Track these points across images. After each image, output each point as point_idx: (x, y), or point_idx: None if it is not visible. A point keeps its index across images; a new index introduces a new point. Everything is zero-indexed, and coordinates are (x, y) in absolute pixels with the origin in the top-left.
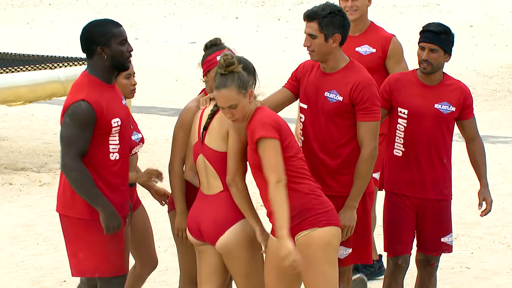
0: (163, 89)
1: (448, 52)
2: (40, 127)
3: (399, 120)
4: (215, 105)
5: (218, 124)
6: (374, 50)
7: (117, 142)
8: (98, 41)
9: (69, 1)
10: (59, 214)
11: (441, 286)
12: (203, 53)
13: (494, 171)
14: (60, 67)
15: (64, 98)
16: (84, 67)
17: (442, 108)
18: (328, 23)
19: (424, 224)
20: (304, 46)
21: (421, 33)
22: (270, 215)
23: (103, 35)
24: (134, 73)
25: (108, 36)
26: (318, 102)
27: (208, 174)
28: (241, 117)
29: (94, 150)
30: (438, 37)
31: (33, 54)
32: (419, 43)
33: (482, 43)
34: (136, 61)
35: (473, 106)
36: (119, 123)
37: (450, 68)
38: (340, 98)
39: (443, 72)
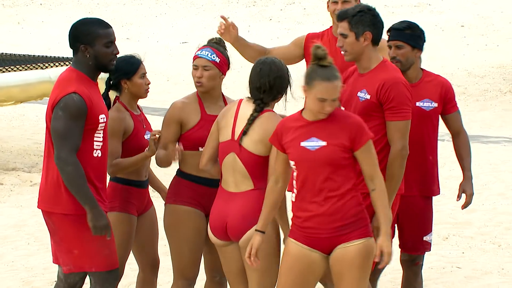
0: (155, 89)
1: (416, 47)
2: (31, 127)
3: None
4: (255, 110)
5: (260, 129)
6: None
7: (101, 139)
8: (82, 39)
9: (60, 1)
10: (42, 211)
11: (432, 286)
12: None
13: (485, 171)
14: (51, 67)
15: None
16: None
17: (424, 105)
18: (357, 21)
19: (407, 222)
20: (337, 46)
21: (387, 32)
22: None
23: (88, 34)
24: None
25: (93, 36)
26: (352, 102)
27: (237, 173)
28: (333, 109)
29: (81, 145)
30: (402, 33)
31: (24, 54)
32: (387, 41)
33: (474, 43)
34: None
35: (456, 100)
36: (105, 119)
37: (442, 68)
38: (368, 97)
39: (422, 69)
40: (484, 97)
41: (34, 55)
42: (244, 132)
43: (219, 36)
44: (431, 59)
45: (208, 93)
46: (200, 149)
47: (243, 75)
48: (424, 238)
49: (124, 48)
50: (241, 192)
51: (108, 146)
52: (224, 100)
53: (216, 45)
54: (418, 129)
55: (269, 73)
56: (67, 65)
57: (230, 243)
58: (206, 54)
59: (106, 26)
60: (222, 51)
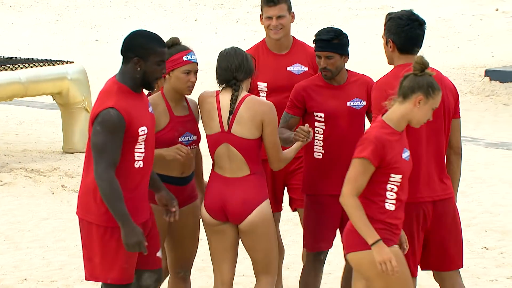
0: None
1: (344, 54)
2: (1, 127)
3: (317, 124)
4: (234, 90)
5: (248, 113)
6: (306, 69)
7: (143, 150)
8: (137, 52)
9: (29, 3)
10: (78, 217)
11: None
12: None
13: None
14: (21, 68)
15: (25, 98)
16: (44, 69)
17: (354, 104)
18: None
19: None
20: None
21: (314, 42)
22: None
23: (145, 48)
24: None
25: (149, 52)
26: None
27: (233, 160)
28: None
29: (120, 157)
30: (330, 44)
31: None
32: (315, 51)
33: (435, 45)
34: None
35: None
36: (146, 131)
37: None
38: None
39: (347, 70)
40: None
41: (4, 57)
42: (230, 113)
43: (176, 37)
44: None
45: (180, 95)
46: None
47: (210, 76)
48: None
49: (93, 50)
50: (239, 178)
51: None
52: (186, 101)
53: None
54: (352, 128)
55: (235, 54)
56: (36, 66)
57: (224, 223)
58: (195, 59)
59: (163, 45)
60: None
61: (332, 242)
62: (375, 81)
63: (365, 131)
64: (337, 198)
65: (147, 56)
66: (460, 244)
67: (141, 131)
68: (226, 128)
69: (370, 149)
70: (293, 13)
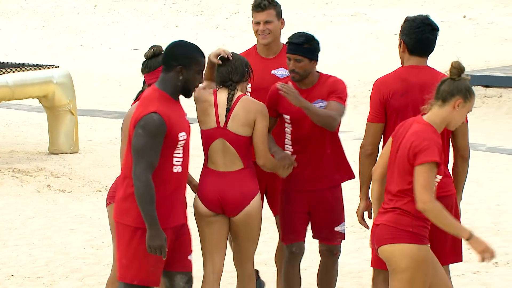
0: (107, 93)
1: (313, 59)
2: None
3: (286, 125)
4: (230, 89)
5: (243, 112)
6: (286, 73)
7: (181, 155)
8: (181, 61)
9: (17, 10)
10: (115, 221)
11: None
12: (144, 59)
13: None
14: (9, 72)
15: (12, 101)
16: (30, 73)
17: (317, 105)
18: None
19: (318, 214)
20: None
21: (286, 44)
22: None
23: (188, 57)
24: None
25: (192, 61)
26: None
27: (227, 155)
28: None
29: (160, 161)
30: (300, 48)
31: None
32: (286, 54)
33: None
34: (81, 67)
35: (341, 95)
36: (185, 137)
37: (376, 72)
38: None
39: (319, 73)
40: None
41: None
42: (227, 109)
43: (159, 45)
44: (367, 64)
45: None
46: None
47: None
48: (336, 229)
49: (78, 54)
50: (233, 172)
51: None
52: None
53: None
54: (317, 128)
55: (233, 59)
56: (23, 70)
57: (218, 214)
58: None
59: (203, 55)
60: None
61: (303, 236)
62: (345, 82)
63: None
64: (304, 194)
65: (190, 65)
66: (457, 240)
67: (181, 136)
68: (222, 124)
69: (437, 153)
70: (283, 19)
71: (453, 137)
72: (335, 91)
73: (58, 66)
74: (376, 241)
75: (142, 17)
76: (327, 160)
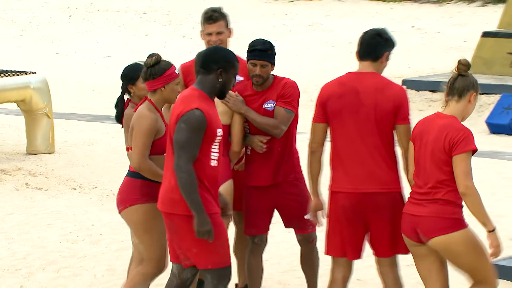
0: (81, 97)
1: (274, 63)
2: None
3: (246, 125)
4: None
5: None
6: (242, 78)
7: (217, 150)
8: (222, 64)
9: None
10: (162, 212)
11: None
12: (146, 67)
13: None
14: None
15: None
16: (9, 79)
17: (268, 106)
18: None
19: (286, 206)
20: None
21: (249, 51)
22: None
23: (228, 62)
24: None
25: (231, 65)
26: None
27: None
28: None
29: (199, 155)
30: (266, 54)
31: None
32: (248, 60)
33: None
34: (57, 73)
35: (288, 99)
36: (221, 133)
37: (331, 78)
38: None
39: (274, 76)
40: None
41: None
42: None
43: (157, 53)
44: (323, 71)
45: (169, 105)
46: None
47: None
48: (306, 217)
49: (54, 61)
50: None
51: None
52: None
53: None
54: None
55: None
56: (2, 76)
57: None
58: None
59: (238, 61)
60: None
61: (264, 230)
62: (297, 83)
63: (290, 130)
64: (263, 190)
65: (229, 68)
66: (396, 234)
67: (218, 132)
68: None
69: (473, 141)
70: (231, 29)
71: (399, 137)
72: (284, 95)
73: (35, 73)
74: (425, 233)
75: (114, 27)
76: (287, 157)
